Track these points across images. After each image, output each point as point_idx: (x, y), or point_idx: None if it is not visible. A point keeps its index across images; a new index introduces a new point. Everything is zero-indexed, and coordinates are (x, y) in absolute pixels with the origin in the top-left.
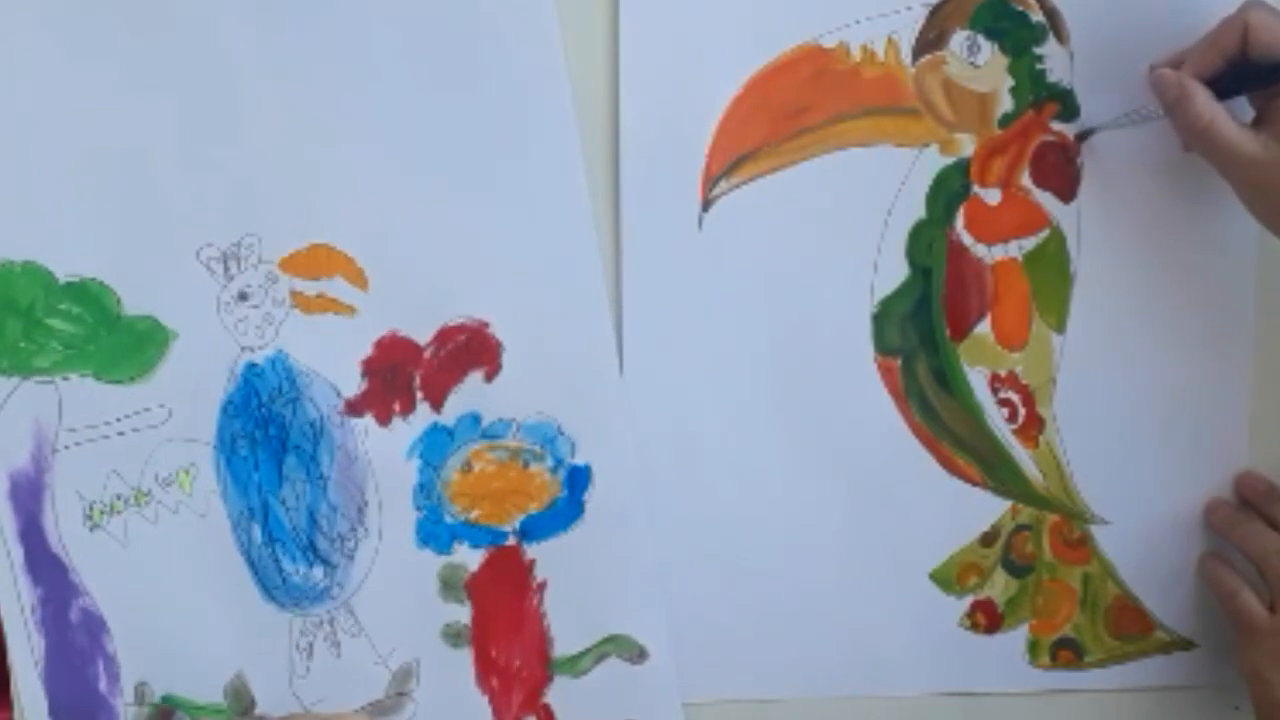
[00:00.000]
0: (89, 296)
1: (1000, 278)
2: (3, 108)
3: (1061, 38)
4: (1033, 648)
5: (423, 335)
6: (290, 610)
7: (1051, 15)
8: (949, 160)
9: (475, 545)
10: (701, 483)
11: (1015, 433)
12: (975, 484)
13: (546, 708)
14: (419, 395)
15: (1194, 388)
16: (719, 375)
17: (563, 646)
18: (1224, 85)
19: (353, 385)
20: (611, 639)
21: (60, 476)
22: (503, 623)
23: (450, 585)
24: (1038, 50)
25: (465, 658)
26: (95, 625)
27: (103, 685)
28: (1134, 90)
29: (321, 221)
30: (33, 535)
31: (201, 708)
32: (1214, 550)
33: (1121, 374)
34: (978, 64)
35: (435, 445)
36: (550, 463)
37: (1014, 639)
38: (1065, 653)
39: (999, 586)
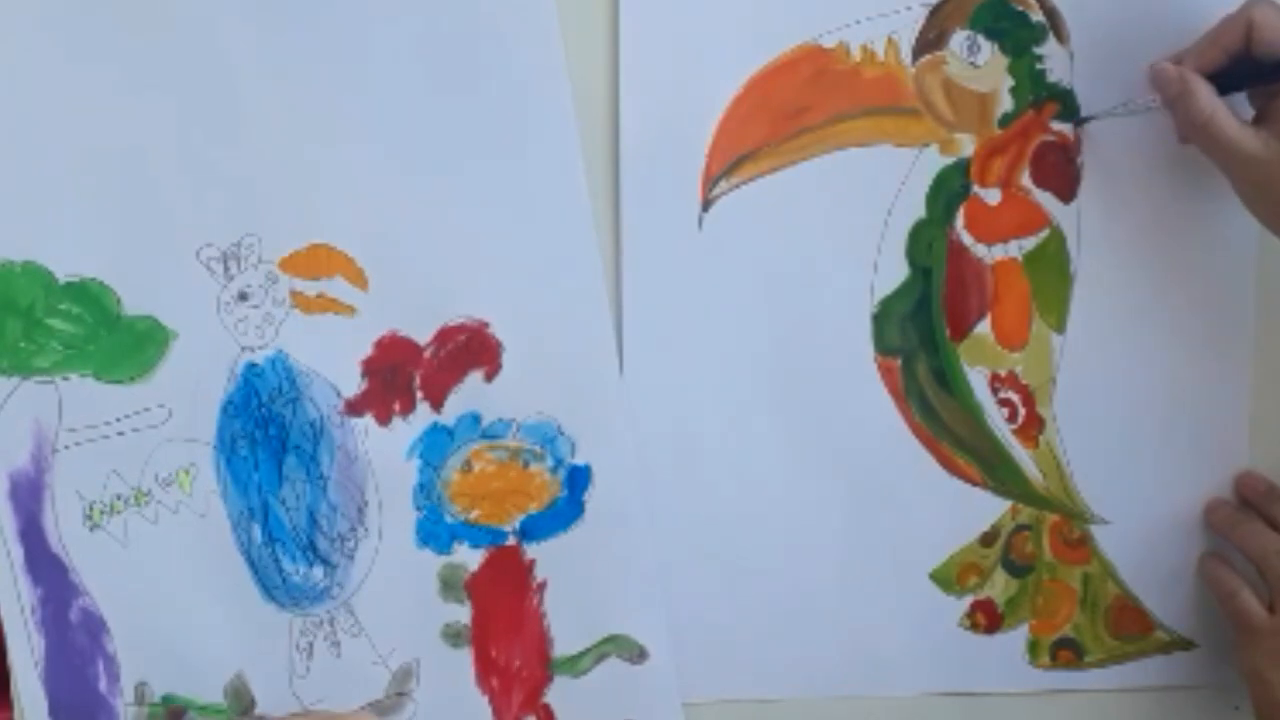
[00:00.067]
0: (89, 296)
1: (1000, 278)
2: (3, 108)
3: (1061, 37)
4: (1033, 648)
5: (423, 335)
6: (290, 610)
7: (1051, 15)
8: (949, 160)
9: (475, 545)
10: (701, 483)
11: (1015, 433)
12: (975, 484)
13: (546, 708)
14: (419, 395)
15: (1194, 388)
16: (719, 375)
17: (563, 646)
18: (1225, 81)
19: (353, 385)
20: (611, 639)
21: (60, 476)
22: (503, 623)
23: (450, 585)
24: (1038, 50)
25: (465, 658)
26: (95, 625)
27: (103, 685)
28: (1134, 90)
29: (321, 221)
30: (33, 535)
31: (202, 708)
32: (1214, 550)
33: (1121, 374)
34: (978, 64)
35: (435, 445)
36: (550, 463)
37: (1014, 639)
38: (1065, 653)
39: (999, 586)
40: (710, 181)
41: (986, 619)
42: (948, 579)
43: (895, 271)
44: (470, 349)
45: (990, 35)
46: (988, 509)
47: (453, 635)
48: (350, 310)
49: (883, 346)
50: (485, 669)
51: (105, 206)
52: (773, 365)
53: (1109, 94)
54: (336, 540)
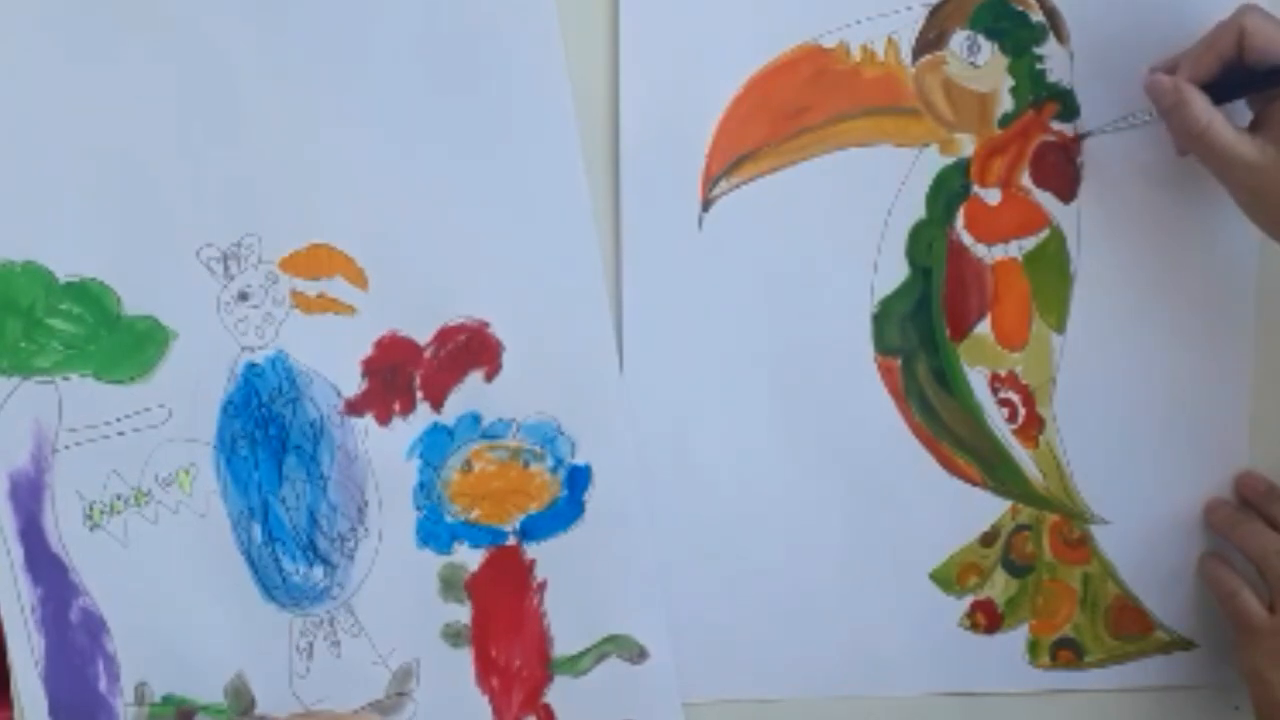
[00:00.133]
0: (89, 296)
1: (1000, 278)
2: (3, 108)
3: (1061, 38)
4: (1033, 648)
5: (423, 335)
6: (290, 610)
7: (1051, 15)
8: (949, 160)
9: (475, 545)
10: (701, 482)
11: (1015, 433)
12: (975, 484)
13: (547, 707)
14: (419, 395)
15: (1194, 388)
16: (719, 375)
17: (563, 646)
18: (1219, 90)
19: (353, 385)
20: (612, 639)
21: (60, 476)
22: (503, 622)
23: (450, 585)
24: (1038, 50)
25: (465, 657)
26: (95, 625)
27: (103, 685)
28: (1134, 90)
29: (321, 221)
30: (33, 535)
31: (203, 707)
32: (1214, 550)
33: (1121, 374)
34: (978, 64)
35: (435, 445)
36: (550, 462)
37: (1014, 639)
38: (1065, 653)
39: (999, 586)
40: (710, 181)
41: (986, 619)
42: (948, 579)
43: (895, 271)
44: (470, 349)
45: (990, 35)
46: (988, 509)
47: (453, 635)
48: (350, 310)
49: (883, 346)
50: (485, 669)
51: (105, 206)
52: (773, 365)
53: (1109, 94)
54: (337, 540)
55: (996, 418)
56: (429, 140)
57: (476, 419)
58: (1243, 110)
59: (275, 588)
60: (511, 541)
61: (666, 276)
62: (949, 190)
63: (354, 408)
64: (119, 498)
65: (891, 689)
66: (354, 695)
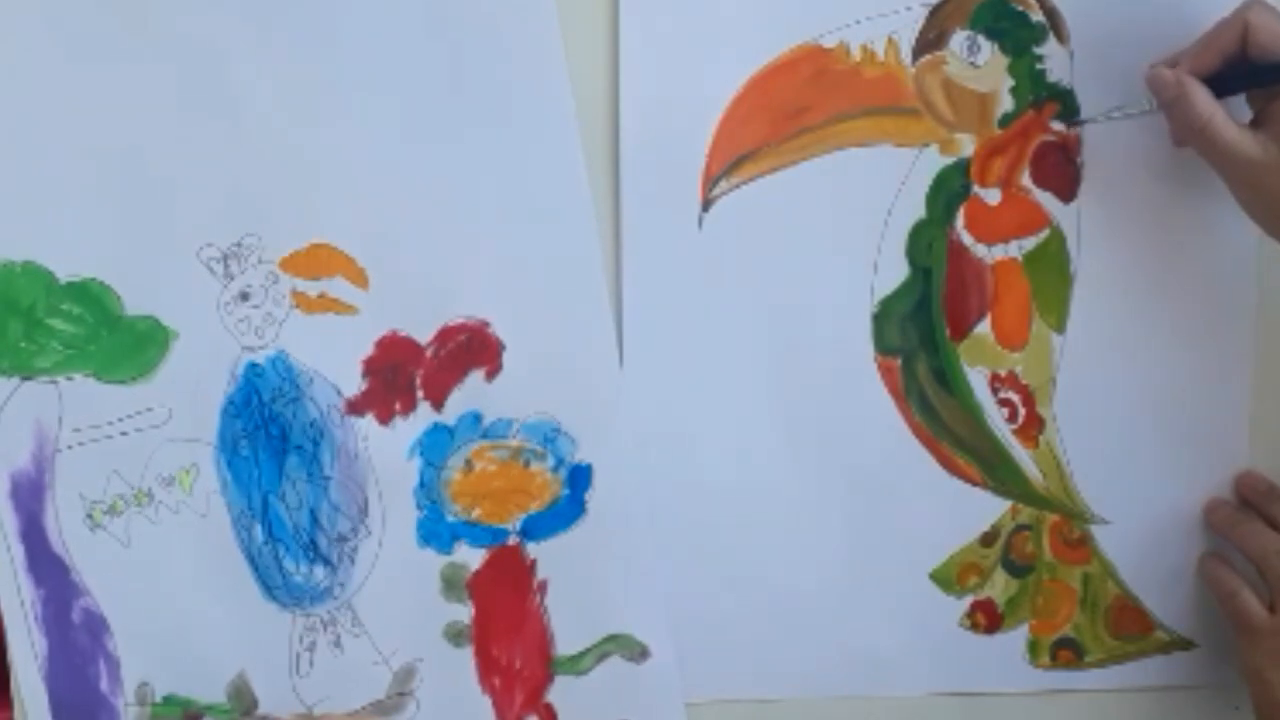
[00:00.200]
0: (90, 296)
1: (1000, 278)
2: (3, 107)
3: (1061, 37)
4: (1033, 648)
5: (423, 335)
6: (292, 610)
7: (1051, 15)
8: (949, 160)
9: (476, 544)
10: (701, 482)
11: (1015, 433)
12: (975, 484)
13: (548, 707)
14: (420, 394)
15: (1194, 388)
16: (719, 375)
17: (564, 646)
18: (1221, 85)
19: (354, 385)
20: (613, 638)
21: (61, 477)
22: (504, 622)
23: (452, 584)
24: (1038, 50)
25: (467, 657)
26: (97, 625)
27: (104, 685)
28: (1135, 90)
29: (322, 221)
30: (34, 535)
31: (207, 708)
32: (1214, 550)
33: (1121, 374)
34: (978, 64)
35: (436, 444)
36: (551, 462)
37: (1014, 639)
38: (1065, 653)
39: (999, 586)
40: (710, 181)
41: (986, 619)
42: (948, 579)
43: (895, 271)
44: (471, 348)
45: (990, 35)
46: (988, 509)
47: (454, 635)
48: (351, 310)
49: (883, 346)
50: (487, 668)
51: (105, 206)
52: (773, 365)
53: (1109, 94)
54: (338, 540)
55: (996, 418)
56: (429, 140)
57: (477, 418)
58: (1243, 107)
59: (276, 587)
60: (512, 541)
61: (666, 276)
62: (949, 190)
63: (355, 407)
64: (120, 498)
65: (891, 689)
66: (355, 695)
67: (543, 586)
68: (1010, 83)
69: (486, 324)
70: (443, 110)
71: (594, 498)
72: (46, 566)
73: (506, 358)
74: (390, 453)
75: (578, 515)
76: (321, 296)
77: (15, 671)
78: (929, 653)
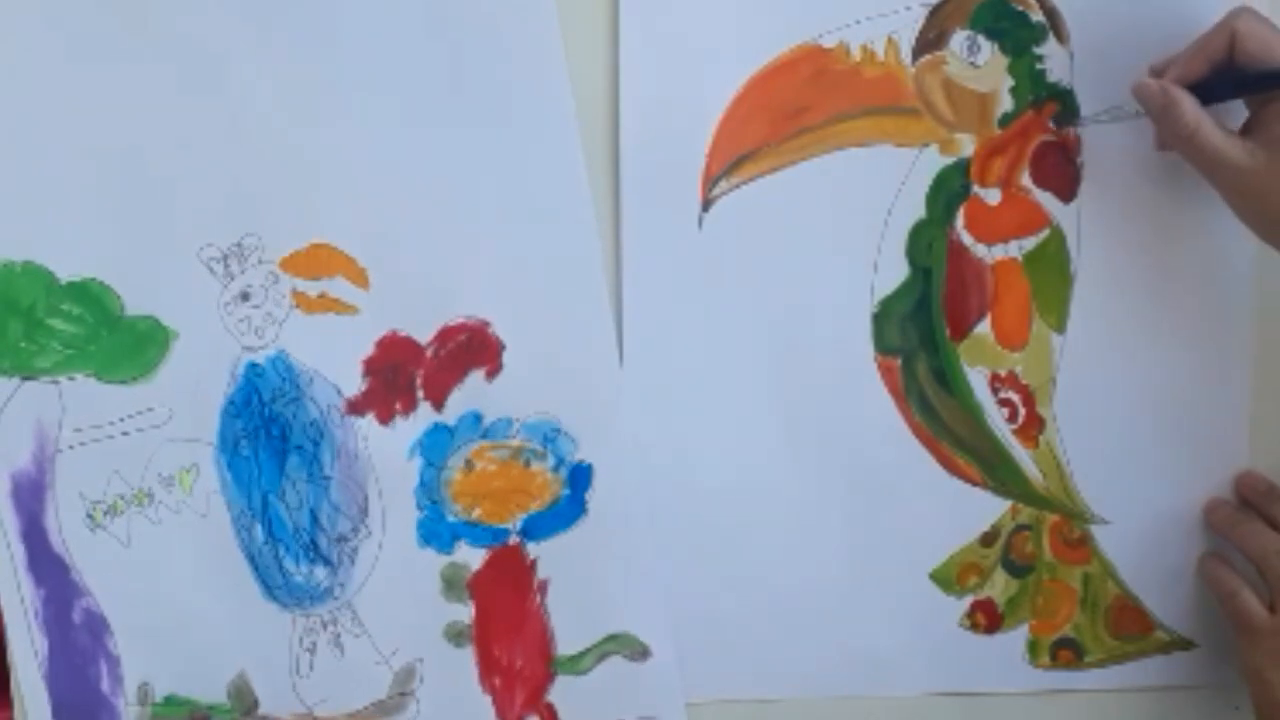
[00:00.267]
0: (90, 297)
1: (1000, 278)
2: (3, 107)
3: (1061, 38)
4: (1033, 648)
5: (424, 334)
6: (293, 610)
7: (1051, 15)
8: (949, 160)
9: (477, 544)
10: (702, 482)
11: (1015, 433)
12: (975, 484)
13: (549, 706)
14: (420, 394)
15: (1194, 388)
16: (719, 375)
17: (565, 645)
18: (1209, 92)
19: (354, 385)
20: (613, 637)
21: (62, 477)
22: (505, 622)
23: (452, 584)
24: (1038, 50)
25: (468, 657)
26: (97, 625)
27: (105, 685)
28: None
29: (322, 221)
30: (35, 536)
31: (209, 708)
32: (1214, 550)
33: (1121, 374)
34: (978, 64)
35: (437, 444)
36: (552, 461)
37: (1014, 639)
38: (1065, 653)
39: (999, 586)
40: (710, 181)
41: (986, 619)
42: (948, 579)
43: (895, 271)
44: (471, 348)
45: (990, 35)
46: (988, 509)
47: (455, 635)
48: (351, 310)
49: (883, 346)
50: (488, 668)
51: (105, 206)
52: (773, 365)
53: (1109, 94)
54: (338, 540)
55: (996, 418)
56: (429, 140)
57: (477, 418)
58: (1239, 111)
59: (277, 587)
60: (513, 541)
61: (666, 276)
62: (949, 190)
63: (355, 407)
64: (121, 498)
65: (891, 689)
66: (356, 695)
67: (543, 586)
68: (1010, 83)
69: (486, 324)
70: (443, 110)
71: (594, 497)
72: (47, 566)
73: (506, 358)
74: (390, 453)
75: (578, 515)
76: (322, 296)
77: (15, 671)
78: (929, 653)
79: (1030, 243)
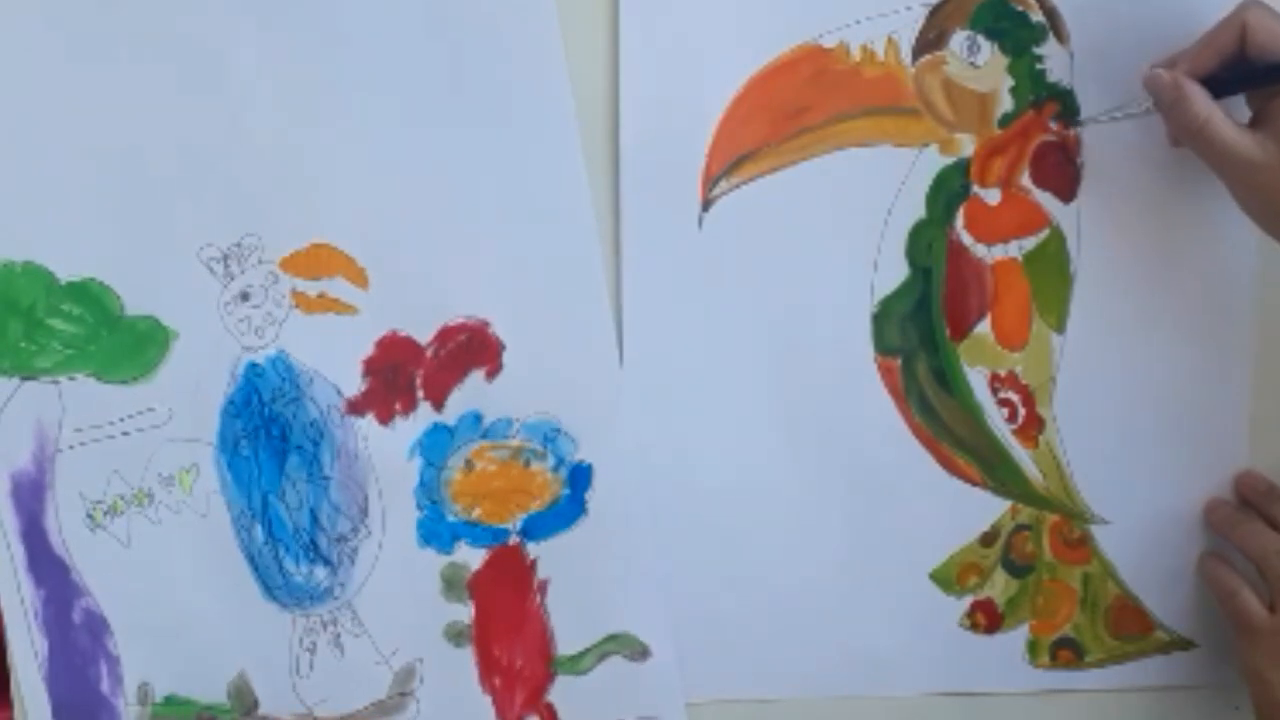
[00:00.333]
0: (90, 297)
1: (1000, 278)
2: (3, 108)
3: (1061, 38)
4: (1032, 648)
5: (424, 334)
6: (293, 610)
7: (1051, 15)
8: (949, 160)
9: (477, 544)
10: (702, 482)
11: (1015, 433)
12: (975, 484)
13: (549, 706)
14: (420, 394)
15: (1194, 388)
16: (719, 375)
17: (565, 645)
18: (1219, 85)
19: (354, 385)
20: (614, 637)
21: (62, 477)
22: (505, 622)
23: (452, 584)
24: (1038, 50)
25: (468, 657)
26: (97, 625)
27: (105, 685)
28: (1135, 90)
29: (322, 221)
30: (35, 536)
31: (207, 707)
32: (1214, 550)
33: (1121, 374)
34: (978, 64)
35: (436, 444)
36: (552, 461)
37: (1014, 639)
38: (1065, 652)
39: (999, 586)
40: (710, 181)
41: (986, 619)
42: (948, 579)
43: (895, 271)
44: (471, 348)
45: (990, 35)
46: (988, 509)
47: (455, 635)
48: (351, 310)
49: (883, 346)
50: (488, 668)
51: (105, 206)
52: (773, 365)
53: (1109, 94)
54: (338, 540)
55: (996, 418)
56: (429, 140)
57: (477, 418)
58: (1239, 110)
59: (277, 588)
60: (513, 541)
61: (666, 276)
62: (949, 190)
63: (355, 407)
64: (121, 498)
65: (891, 689)
66: (357, 695)
67: (543, 586)
68: (1010, 83)
69: (486, 324)
70: (443, 110)
71: (594, 497)
72: (47, 566)
73: (506, 358)
74: (390, 453)
75: (578, 515)
76: (321, 296)
77: (15, 671)
78: (929, 653)
79: (1030, 243)
